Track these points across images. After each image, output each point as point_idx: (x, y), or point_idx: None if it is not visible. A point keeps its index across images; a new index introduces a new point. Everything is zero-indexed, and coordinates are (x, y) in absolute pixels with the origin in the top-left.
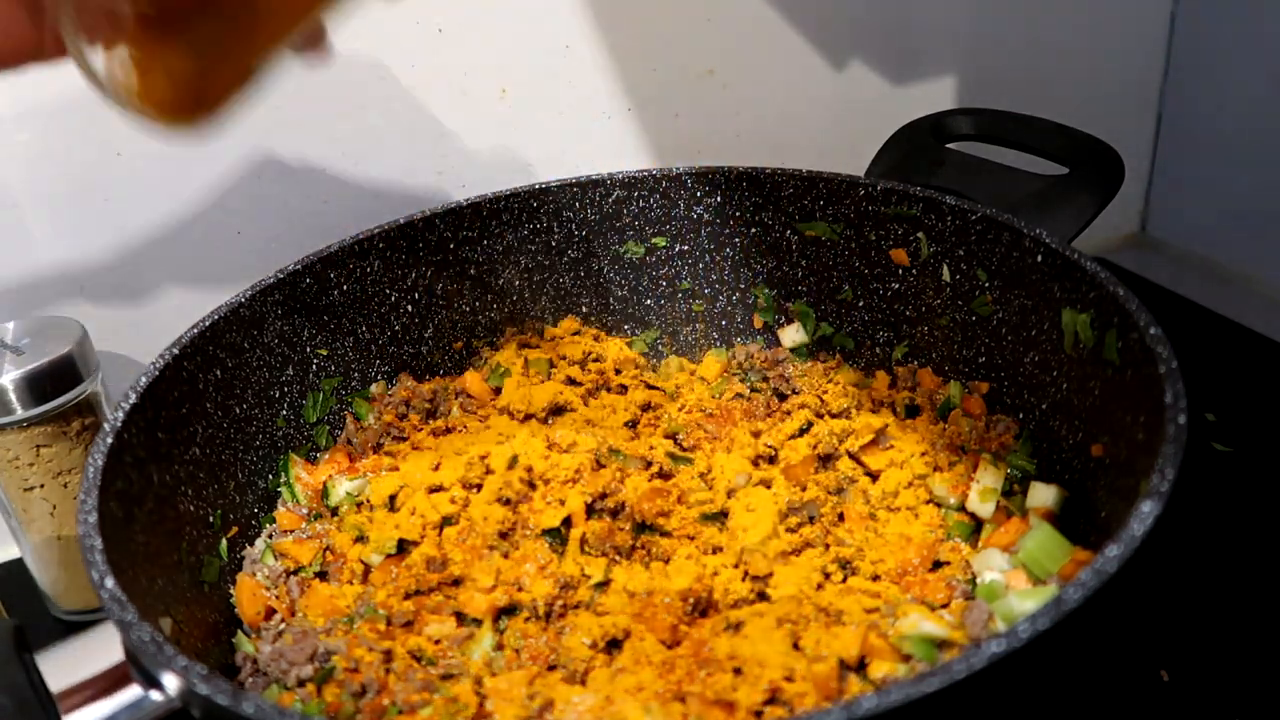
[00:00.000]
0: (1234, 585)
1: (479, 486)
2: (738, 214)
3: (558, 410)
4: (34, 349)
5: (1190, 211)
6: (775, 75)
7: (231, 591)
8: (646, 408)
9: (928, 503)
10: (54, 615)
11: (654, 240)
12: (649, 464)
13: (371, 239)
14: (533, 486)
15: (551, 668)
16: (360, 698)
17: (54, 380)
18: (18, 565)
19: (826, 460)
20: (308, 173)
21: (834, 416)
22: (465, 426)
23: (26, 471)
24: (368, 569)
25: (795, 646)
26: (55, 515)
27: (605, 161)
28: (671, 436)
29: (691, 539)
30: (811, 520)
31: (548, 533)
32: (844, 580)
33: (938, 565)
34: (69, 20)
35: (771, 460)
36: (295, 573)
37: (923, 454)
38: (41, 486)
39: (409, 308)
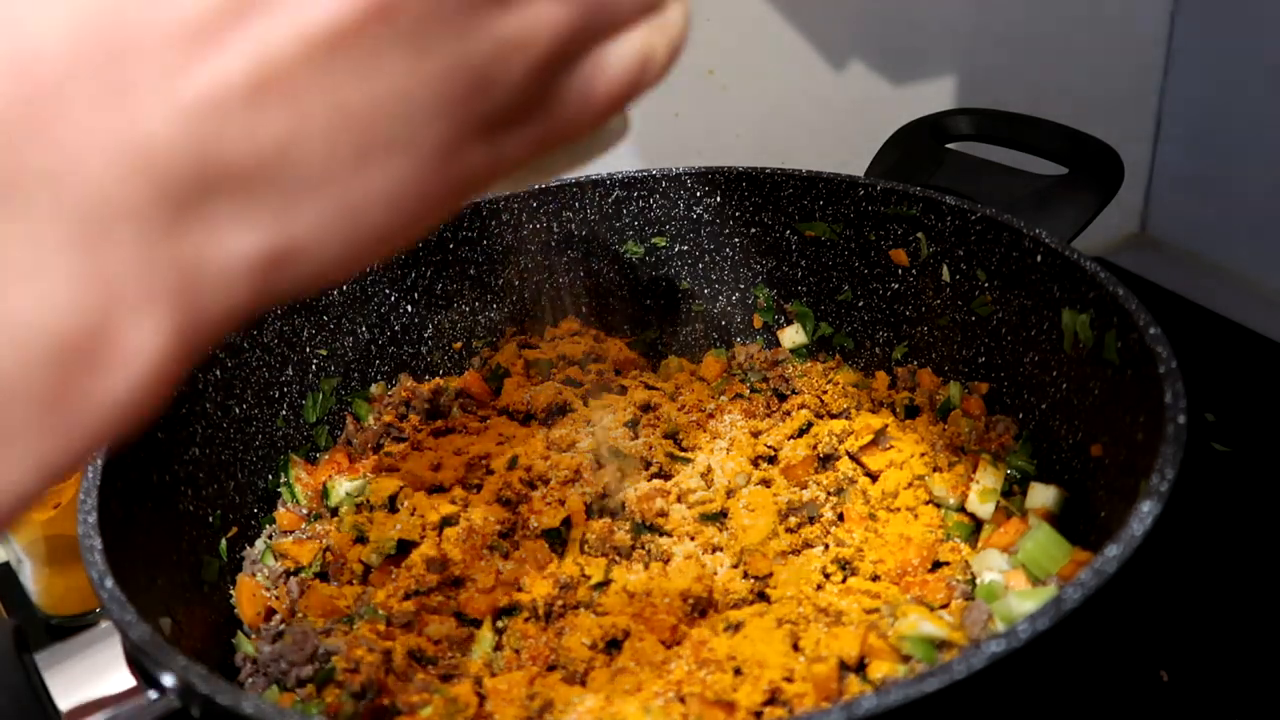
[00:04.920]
0: (1234, 585)
1: (479, 487)
2: (738, 214)
3: (558, 410)
4: None
5: (1190, 211)
6: (775, 75)
7: (231, 592)
8: (646, 408)
9: (927, 503)
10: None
11: (654, 240)
12: (649, 464)
13: None
14: (533, 487)
15: (551, 668)
16: (360, 698)
17: None
18: None
19: (826, 460)
20: None
21: (834, 417)
22: (465, 426)
23: None
24: (368, 569)
25: (795, 647)
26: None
27: (605, 161)
28: (671, 436)
29: (692, 539)
30: (811, 520)
31: (548, 533)
32: (844, 580)
33: (937, 566)
34: None
35: (771, 460)
36: (295, 573)
37: (922, 454)
38: None
39: (409, 308)
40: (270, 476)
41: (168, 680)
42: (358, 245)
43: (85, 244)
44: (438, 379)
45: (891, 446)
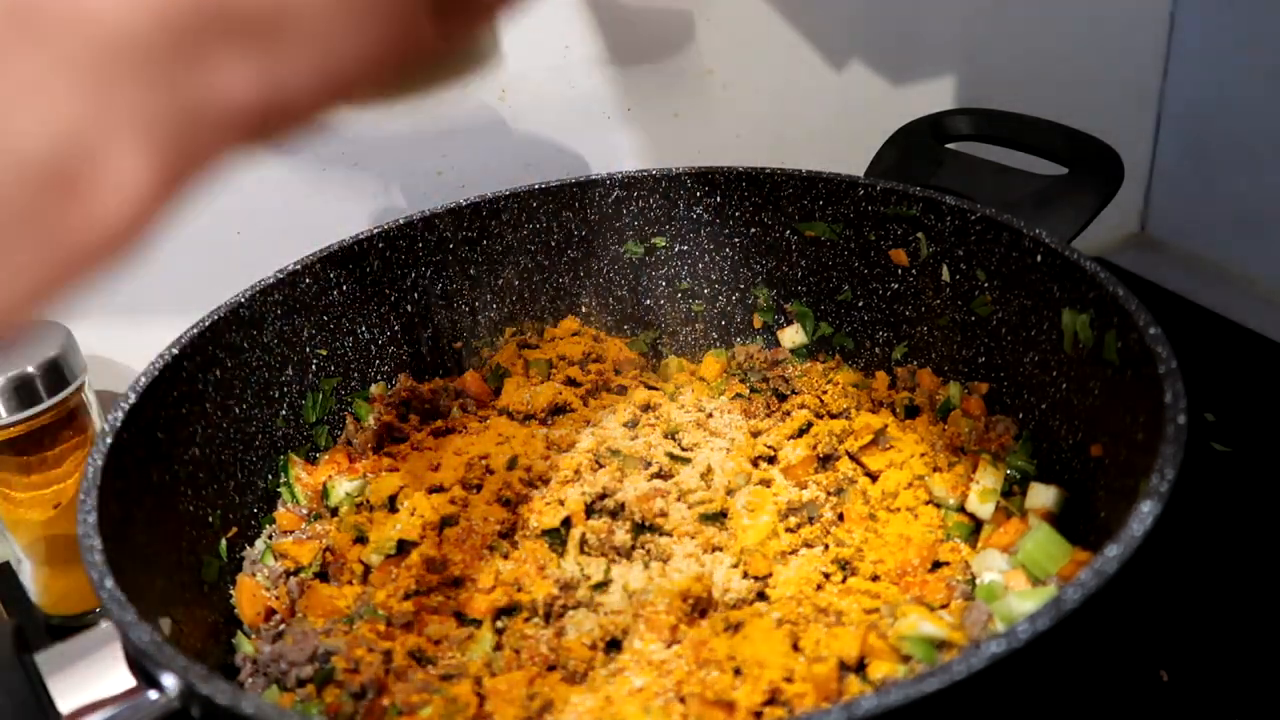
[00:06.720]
0: (1234, 585)
1: (479, 487)
2: (737, 214)
3: (558, 410)
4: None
5: (1190, 211)
6: (775, 75)
7: (231, 592)
8: (646, 408)
9: (927, 503)
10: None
11: (654, 240)
12: (649, 464)
13: (371, 239)
14: (533, 486)
15: (551, 668)
16: (360, 698)
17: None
18: None
19: (826, 460)
20: (307, 173)
21: (834, 417)
22: (465, 427)
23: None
24: (368, 569)
25: (795, 647)
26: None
27: (605, 161)
28: (671, 436)
29: (692, 539)
30: (811, 520)
31: (548, 533)
32: (844, 581)
33: (937, 566)
34: None
35: (771, 460)
36: (295, 573)
37: (922, 455)
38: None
39: (409, 308)
40: (270, 476)
41: (168, 680)
42: (329, 99)
43: (89, 69)
44: (438, 379)
45: (891, 446)
